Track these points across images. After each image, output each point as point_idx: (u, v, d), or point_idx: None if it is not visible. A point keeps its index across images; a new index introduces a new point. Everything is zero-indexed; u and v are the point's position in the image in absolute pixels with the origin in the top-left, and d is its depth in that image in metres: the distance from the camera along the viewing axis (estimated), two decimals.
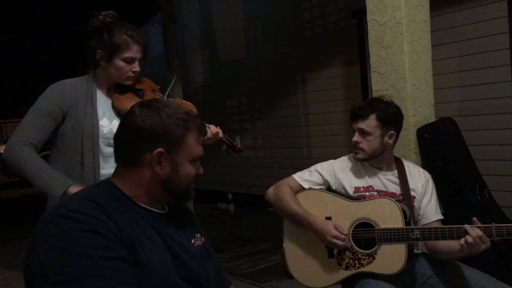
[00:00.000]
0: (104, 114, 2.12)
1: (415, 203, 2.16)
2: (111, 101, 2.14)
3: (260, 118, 6.76)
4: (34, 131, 2.01)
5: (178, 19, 6.26)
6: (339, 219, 2.11)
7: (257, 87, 6.68)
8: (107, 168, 2.08)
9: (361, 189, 2.18)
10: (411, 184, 2.18)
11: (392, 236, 2.00)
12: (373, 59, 2.81)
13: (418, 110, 2.71)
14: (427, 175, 2.26)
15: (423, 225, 2.13)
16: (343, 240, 2.03)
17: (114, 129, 1.86)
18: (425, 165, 2.68)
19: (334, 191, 2.22)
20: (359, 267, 2.06)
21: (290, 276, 2.23)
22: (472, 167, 2.84)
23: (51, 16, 5.94)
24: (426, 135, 2.68)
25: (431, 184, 2.23)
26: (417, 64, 2.70)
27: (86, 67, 2.17)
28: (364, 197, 2.15)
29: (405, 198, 2.14)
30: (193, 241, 1.46)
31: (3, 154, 2.01)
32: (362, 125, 2.13)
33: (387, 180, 2.19)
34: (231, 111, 7.20)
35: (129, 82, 2.14)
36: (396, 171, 2.21)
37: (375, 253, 2.04)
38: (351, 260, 2.07)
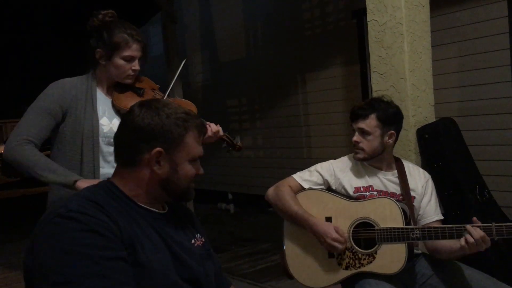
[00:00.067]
0: (104, 113, 2.12)
1: (415, 203, 2.16)
2: (111, 100, 2.14)
3: (260, 118, 6.76)
4: (34, 129, 2.00)
5: (178, 19, 6.26)
6: (339, 219, 2.11)
7: (257, 87, 6.68)
8: (107, 167, 2.08)
9: (361, 189, 2.18)
10: (411, 184, 2.18)
11: (392, 235, 2.00)
12: (373, 59, 2.81)
13: (418, 110, 2.71)
14: (427, 175, 2.26)
15: (423, 225, 2.13)
16: (343, 244, 2.03)
17: (114, 128, 1.86)
18: (425, 165, 2.68)
19: (334, 191, 2.22)
20: (359, 267, 2.06)
21: (290, 276, 2.23)
22: (472, 167, 2.84)
23: (51, 16, 5.94)
24: (426, 135, 2.68)
25: (430, 184, 2.23)
26: (417, 64, 2.70)
27: (86, 67, 2.17)
28: (364, 197, 2.15)
29: (405, 198, 2.14)
30: (193, 241, 1.46)
31: (4, 154, 2.00)
32: (362, 124, 2.13)
33: (387, 180, 2.19)
34: (231, 111, 7.20)
35: (129, 81, 2.14)
36: (396, 171, 2.21)
37: (375, 253, 2.04)
38: (351, 260, 2.07)
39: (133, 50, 2.08)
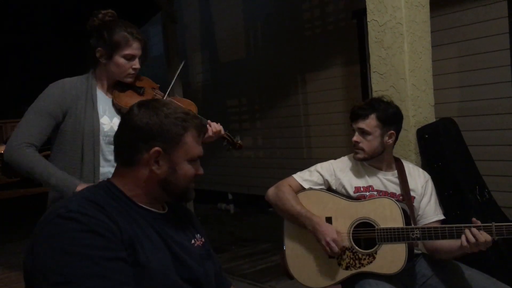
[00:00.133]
0: (105, 112, 2.12)
1: (415, 203, 2.16)
2: (111, 99, 2.15)
3: (260, 118, 6.76)
4: (34, 131, 2.01)
5: (178, 19, 6.26)
6: (339, 219, 2.12)
7: (257, 87, 6.68)
8: (107, 166, 2.09)
9: (361, 189, 2.18)
10: (411, 184, 2.18)
11: (392, 235, 2.00)
12: (373, 60, 2.81)
13: (418, 111, 2.71)
14: (427, 176, 2.26)
15: (422, 225, 2.13)
16: (340, 248, 2.04)
17: (115, 127, 1.87)
18: (425, 166, 2.68)
19: (335, 191, 2.22)
20: (359, 267, 2.06)
21: (291, 276, 2.23)
22: (472, 168, 2.84)
23: (51, 16, 5.94)
24: (426, 136, 2.68)
25: (430, 184, 2.23)
26: (417, 65, 2.70)
27: (86, 67, 2.17)
28: (364, 197, 2.15)
29: (405, 198, 2.14)
30: (193, 241, 1.46)
31: (5, 156, 2.01)
32: (362, 124, 2.13)
33: (387, 180, 2.19)
34: (231, 111, 7.20)
35: (129, 80, 2.15)
36: (396, 171, 2.21)
37: (375, 253, 2.04)
38: (351, 260, 2.07)
39: (134, 48, 2.09)
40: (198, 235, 1.50)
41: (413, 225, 2.04)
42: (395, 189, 2.18)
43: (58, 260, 1.13)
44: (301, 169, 2.31)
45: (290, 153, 6.23)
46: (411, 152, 2.69)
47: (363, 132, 2.13)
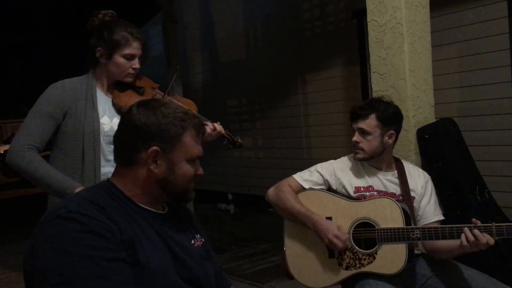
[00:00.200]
0: (105, 112, 2.12)
1: (415, 204, 2.16)
2: (111, 99, 2.15)
3: (260, 118, 6.76)
4: (36, 133, 2.01)
5: (178, 19, 6.26)
6: (339, 219, 2.11)
7: (257, 87, 6.68)
8: (108, 166, 2.09)
9: (362, 189, 2.18)
10: (411, 184, 2.18)
11: (392, 236, 2.00)
12: (373, 60, 2.81)
13: (418, 111, 2.71)
14: (427, 176, 2.26)
15: (422, 225, 2.13)
16: (343, 242, 2.03)
17: (115, 127, 1.87)
18: (425, 166, 2.68)
19: (335, 191, 2.22)
20: (359, 267, 2.06)
21: (291, 277, 2.23)
22: (472, 168, 2.84)
23: (51, 16, 5.95)
24: (426, 136, 2.68)
25: (430, 185, 2.23)
26: (417, 65, 2.70)
27: (86, 67, 2.17)
28: (364, 197, 2.15)
29: (405, 198, 2.14)
30: (193, 241, 1.46)
31: (7, 159, 2.01)
32: (362, 125, 2.13)
33: (387, 181, 2.19)
34: (231, 111, 7.20)
35: (129, 79, 2.15)
36: (396, 172, 2.21)
37: (376, 253, 2.04)
38: (352, 260, 2.07)
39: (134, 48, 2.09)
40: (198, 235, 1.50)
41: (413, 225, 2.04)
42: (395, 189, 2.18)
43: (58, 260, 1.13)
44: (301, 169, 2.31)
45: (290, 153, 6.23)
46: (411, 152, 2.69)
47: (363, 132, 2.13)
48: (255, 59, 6.73)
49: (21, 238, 5.09)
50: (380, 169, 2.21)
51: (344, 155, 2.32)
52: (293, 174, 2.29)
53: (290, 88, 6.16)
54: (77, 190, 1.90)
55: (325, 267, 2.13)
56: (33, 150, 1.99)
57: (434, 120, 2.80)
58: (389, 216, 2.04)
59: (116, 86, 2.16)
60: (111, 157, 2.05)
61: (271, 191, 2.28)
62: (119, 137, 1.38)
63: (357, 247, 2.07)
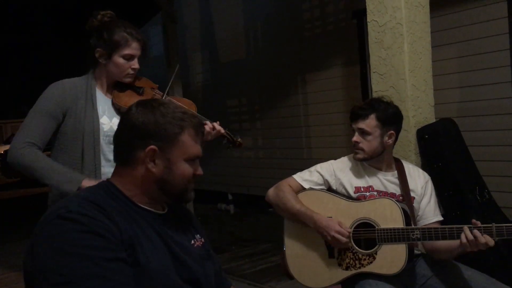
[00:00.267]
0: (104, 112, 2.13)
1: (415, 204, 2.16)
2: (110, 99, 2.15)
3: (260, 119, 6.76)
4: (37, 132, 2.01)
5: (178, 19, 6.26)
6: (339, 219, 2.11)
7: (257, 87, 6.68)
8: (108, 166, 2.09)
9: (362, 189, 2.18)
10: (411, 185, 2.18)
11: (392, 236, 2.00)
12: (373, 60, 2.81)
13: (418, 111, 2.71)
14: (427, 177, 2.26)
15: (422, 226, 2.13)
16: (346, 237, 2.04)
17: (114, 127, 1.87)
18: (425, 166, 2.68)
19: (335, 191, 2.22)
20: (359, 267, 2.06)
21: (291, 277, 2.23)
22: (472, 168, 2.84)
23: (51, 16, 5.95)
24: (426, 136, 2.68)
25: (430, 185, 2.23)
26: (417, 65, 2.70)
27: (86, 67, 2.18)
28: (364, 197, 2.15)
29: (405, 198, 2.14)
30: (192, 241, 1.46)
31: (8, 158, 2.01)
32: (362, 125, 2.13)
33: (386, 181, 2.19)
34: (231, 111, 7.20)
35: (128, 80, 2.15)
36: (396, 172, 2.21)
37: (376, 253, 2.04)
38: (352, 260, 2.08)
39: (133, 48, 2.09)
40: (198, 235, 1.50)
41: (413, 226, 2.04)
42: (395, 189, 2.18)
43: (58, 260, 1.13)
44: (301, 169, 2.31)
45: (290, 153, 6.23)
46: (411, 153, 2.69)
47: (363, 132, 2.13)
48: (255, 59, 6.73)
49: (21, 238, 5.08)
50: (380, 169, 2.21)
51: (344, 155, 2.32)
52: (293, 174, 2.29)
53: (290, 88, 6.16)
54: (84, 182, 1.90)
55: (325, 267, 2.13)
56: (34, 146, 1.99)
57: (434, 120, 2.80)
58: (389, 217, 2.04)
59: (115, 87, 2.16)
60: (111, 156, 2.05)
61: (271, 191, 2.28)
62: (118, 137, 1.38)
63: (357, 247, 2.07)
